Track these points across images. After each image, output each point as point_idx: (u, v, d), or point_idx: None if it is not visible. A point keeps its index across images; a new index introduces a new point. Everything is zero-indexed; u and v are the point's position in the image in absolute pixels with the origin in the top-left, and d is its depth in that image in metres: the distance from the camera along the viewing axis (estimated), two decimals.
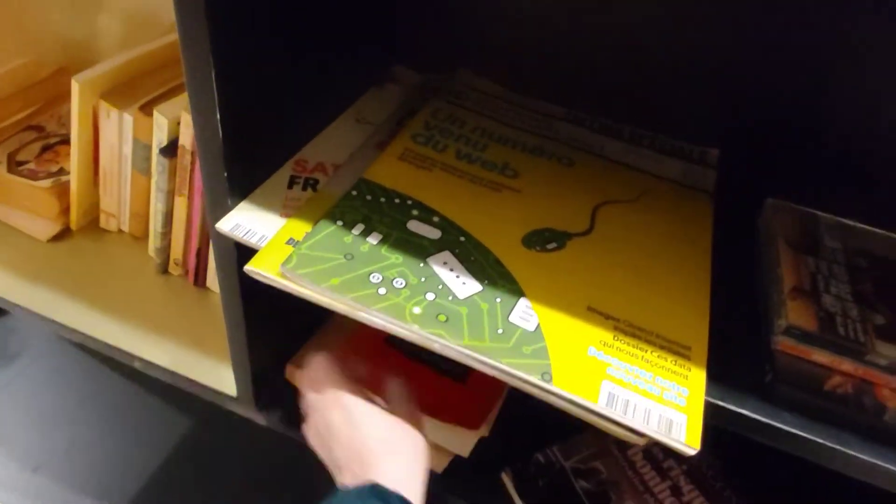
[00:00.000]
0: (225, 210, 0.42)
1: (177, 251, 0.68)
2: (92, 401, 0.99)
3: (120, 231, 0.74)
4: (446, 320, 0.37)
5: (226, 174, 0.40)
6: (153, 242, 0.68)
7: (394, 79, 0.61)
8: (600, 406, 0.34)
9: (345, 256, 0.39)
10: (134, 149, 0.64)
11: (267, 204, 0.44)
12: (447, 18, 0.62)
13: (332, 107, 0.54)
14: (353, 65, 0.57)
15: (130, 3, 0.74)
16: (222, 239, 0.43)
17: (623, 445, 0.57)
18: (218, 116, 0.37)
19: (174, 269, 0.69)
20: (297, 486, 0.89)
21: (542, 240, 0.43)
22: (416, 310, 0.37)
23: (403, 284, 0.38)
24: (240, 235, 0.41)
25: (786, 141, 0.55)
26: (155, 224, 0.65)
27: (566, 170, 0.51)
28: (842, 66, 0.50)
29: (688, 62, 0.55)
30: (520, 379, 0.35)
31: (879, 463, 0.34)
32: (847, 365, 0.36)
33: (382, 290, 0.38)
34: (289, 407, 0.60)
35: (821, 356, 0.36)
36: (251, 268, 0.38)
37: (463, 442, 0.56)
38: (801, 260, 0.42)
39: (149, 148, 0.62)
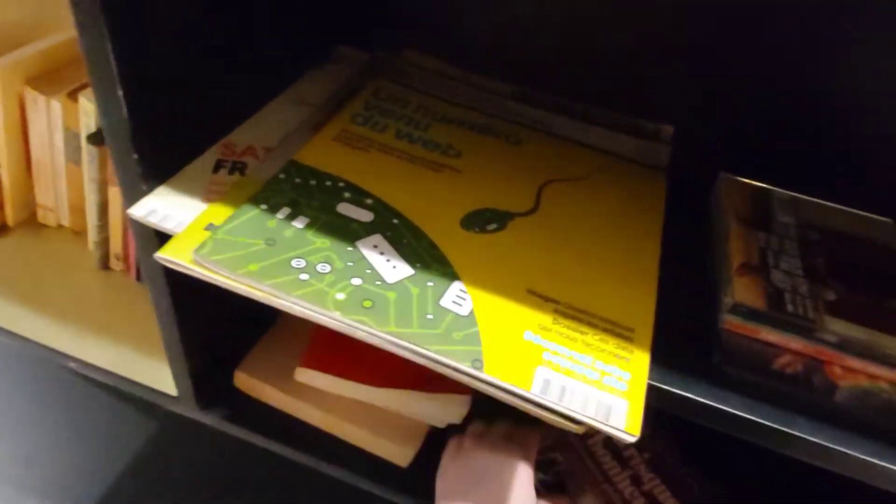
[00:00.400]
0: (139, 195, 0.39)
1: (116, 245, 0.64)
2: (53, 405, 0.95)
3: (60, 226, 0.70)
4: (372, 306, 0.34)
5: (136, 156, 0.37)
6: (91, 236, 0.64)
7: (339, 59, 0.58)
8: (534, 393, 0.32)
9: (266, 242, 0.37)
10: (65, 138, 0.60)
11: (188, 188, 0.41)
12: None
13: (268, 88, 0.51)
14: (294, 44, 0.54)
15: None
16: (140, 226, 0.40)
17: (583, 435, 0.55)
18: (120, 92, 0.34)
19: (115, 265, 0.66)
20: (260, 485, 0.86)
21: (482, 220, 0.41)
22: (340, 296, 0.34)
23: (328, 270, 0.36)
24: (154, 221, 0.38)
25: (745, 116, 0.53)
26: (91, 217, 0.62)
27: (513, 148, 0.48)
28: (803, 40, 0.48)
29: (645, 37, 0.53)
30: (448, 367, 0.32)
31: (830, 445, 0.32)
32: (796, 343, 0.34)
33: (304, 276, 0.35)
34: (233, 405, 0.57)
35: (769, 334, 0.35)
36: (161, 255, 0.35)
37: (454, 410, 0.54)
38: (752, 235, 0.40)
39: (79, 136, 0.59)
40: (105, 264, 0.66)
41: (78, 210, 0.67)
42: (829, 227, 0.41)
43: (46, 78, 0.59)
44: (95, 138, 0.55)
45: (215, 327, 0.54)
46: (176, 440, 0.91)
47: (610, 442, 0.56)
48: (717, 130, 0.52)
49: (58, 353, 0.59)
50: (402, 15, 0.60)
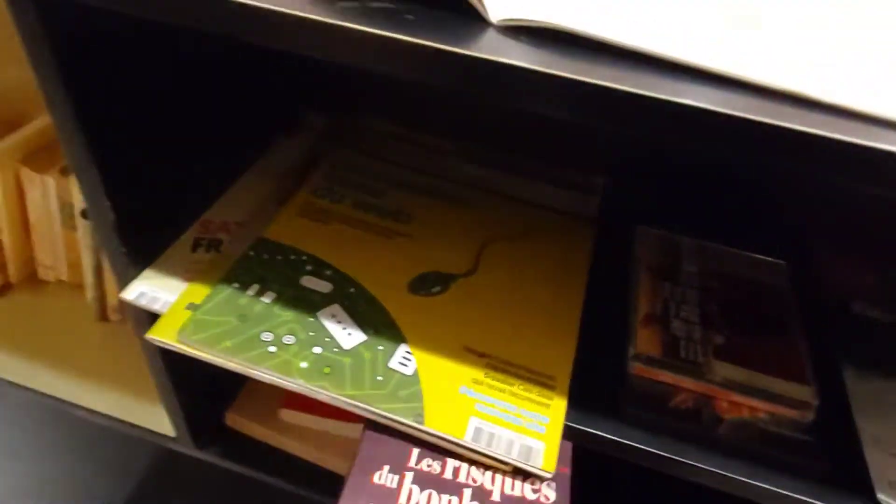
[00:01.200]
0: (129, 279, 0.45)
1: (112, 299, 0.70)
2: (59, 435, 1.01)
3: (59, 281, 0.76)
4: (330, 372, 0.41)
5: (124, 250, 0.43)
6: (89, 292, 0.71)
7: (304, 126, 0.64)
8: (467, 441, 0.38)
9: (238, 318, 0.43)
10: (60, 207, 0.66)
11: (171, 270, 0.47)
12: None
13: (239, 161, 0.58)
14: (260, 116, 0.60)
15: None
16: (131, 306, 0.46)
17: None
18: (107, 201, 0.41)
19: (113, 316, 0.72)
20: None
21: (427, 284, 0.47)
22: (304, 364, 0.41)
23: (293, 340, 0.42)
24: (144, 303, 0.44)
25: (665, 170, 0.59)
26: (87, 277, 0.68)
27: (458, 210, 0.55)
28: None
29: None
30: (395, 422, 0.39)
31: (714, 469, 0.39)
32: (688, 383, 0.41)
33: (273, 349, 0.41)
34: (227, 442, 0.64)
35: (666, 377, 0.41)
36: (152, 336, 0.42)
37: None
38: (659, 286, 0.46)
39: (73, 206, 0.65)
40: (103, 316, 0.72)
41: (75, 266, 0.73)
42: (727, 272, 0.48)
43: (41, 154, 0.65)
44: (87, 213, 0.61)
45: (206, 377, 0.60)
46: (182, 469, 0.97)
47: None
48: (642, 183, 0.59)
49: (66, 402, 0.66)
50: (359, 80, 0.66)
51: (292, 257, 0.48)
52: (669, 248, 0.50)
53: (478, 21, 0.29)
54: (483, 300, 0.47)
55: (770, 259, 0.49)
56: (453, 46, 0.27)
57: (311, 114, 0.65)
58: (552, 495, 0.39)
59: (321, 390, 0.40)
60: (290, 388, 0.40)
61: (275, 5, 0.28)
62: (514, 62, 0.26)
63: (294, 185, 0.55)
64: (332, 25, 0.27)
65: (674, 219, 0.54)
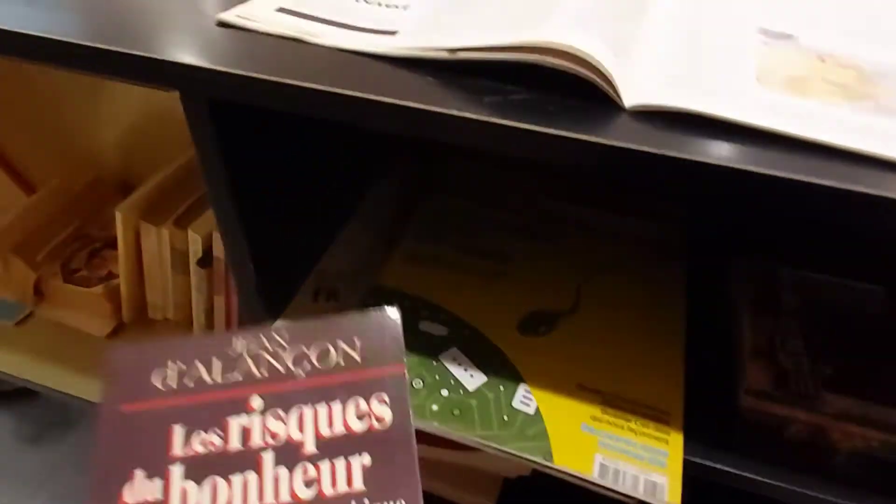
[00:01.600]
0: None
1: None
2: None
3: (165, 319, 0.83)
4: (460, 414, 0.44)
5: (263, 303, 0.48)
6: (197, 331, 0.77)
7: (397, 173, 0.68)
8: (594, 477, 0.41)
9: None
10: (172, 255, 0.72)
11: (298, 319, 0.51)
12: None
13: (340, 211, 0.62)
14: (356, 165, 0.65)
15: (152, 116, 0.83)
16: None
17: None
18: (251, 263, 0.45)
19: None
20: None
21: (535, 324, 0.50)
22: (435, 407, 0.44)
23: (421, 385, 0.46)
24: None
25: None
26: (198, 318, 0.74)
27: (551, 247, 0.57)
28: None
29: None
30: (526, 460, 0.42)
31: (835, 500, 0.41)
32: (801, 415, 0.43)
33: None
34: None
35: (779, 409, 0.43)
36: None
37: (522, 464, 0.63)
38: (761, 320, 0.48)
39: (185, 254, 0.71)
40: None
41: (181, 306, 0.79)
42: (826, 301, 0.49)
43: (154, 209, 0.71)
44: (203, 261, 0.66)
45: None
46: None
47: None
48: (727, 213, 0.60)
49: None
50: None
51: (406, 303, 0.51)
52: (767, 280, 0.51)
53: (613, 108, 0.32)
54: (589, 337, 0.49)
55: (867, 285, 0.50)
56: (594, 136, 0.30)
57: (403, 160, 0.69)
58: (388, 414, 0.30)
59: (454, 432, 0.43)
60: (425, 430, 0.44)
61: (430, 105, 0.31)
62: (644, 148, 0.29)
63: (396, 232, 0.59)
64: (484, 122, 0.31)
65: (762, 247, 0.56)
